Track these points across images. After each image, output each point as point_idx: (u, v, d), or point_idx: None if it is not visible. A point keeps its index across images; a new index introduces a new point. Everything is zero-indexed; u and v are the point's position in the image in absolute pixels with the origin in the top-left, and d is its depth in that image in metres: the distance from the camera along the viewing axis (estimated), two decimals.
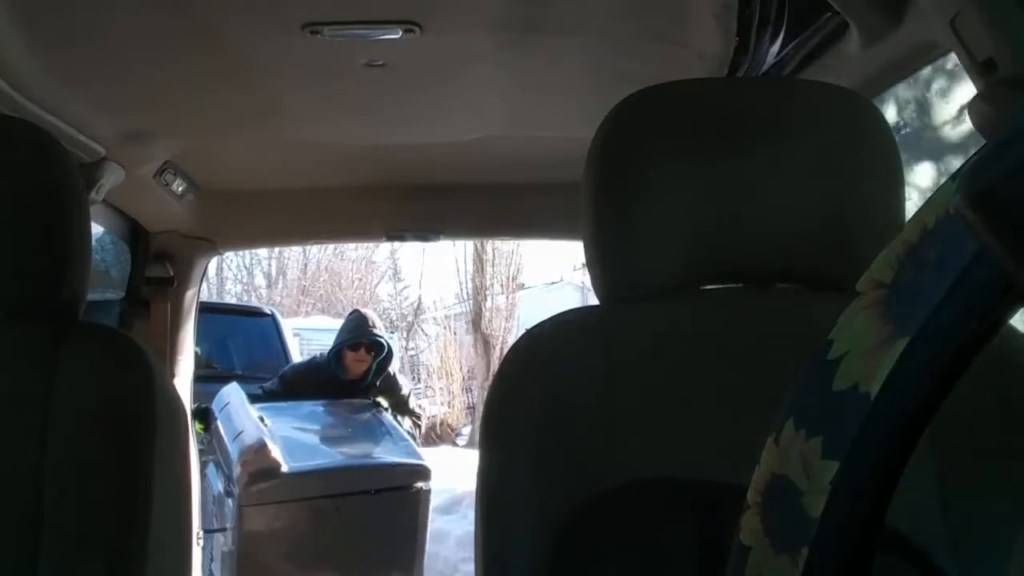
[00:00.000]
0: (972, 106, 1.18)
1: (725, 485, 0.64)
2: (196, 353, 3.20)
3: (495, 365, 4.34)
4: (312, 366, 4.03)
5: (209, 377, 4.65)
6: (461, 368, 13.40)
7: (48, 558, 1.00)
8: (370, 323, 3.93)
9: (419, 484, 3.31)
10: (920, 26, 1.29)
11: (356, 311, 4.19)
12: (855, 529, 0.38)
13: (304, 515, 3.16)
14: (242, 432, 3.22)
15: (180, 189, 2.64)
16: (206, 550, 3.50)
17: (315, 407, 3.70)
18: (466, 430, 12.49)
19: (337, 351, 3.87)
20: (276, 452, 3.13)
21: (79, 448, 1.03)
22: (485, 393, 1.15)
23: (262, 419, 3.34)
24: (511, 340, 8.70)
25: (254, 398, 3.65)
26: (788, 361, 0.50)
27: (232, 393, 3.52)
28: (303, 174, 2.81)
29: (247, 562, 3.14)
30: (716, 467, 0.84)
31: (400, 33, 1.72)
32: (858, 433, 0.38)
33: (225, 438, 3.30)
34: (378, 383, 3.91)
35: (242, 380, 4.82)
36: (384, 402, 3.87)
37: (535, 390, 1.03)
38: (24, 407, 1.03)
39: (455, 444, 11.47)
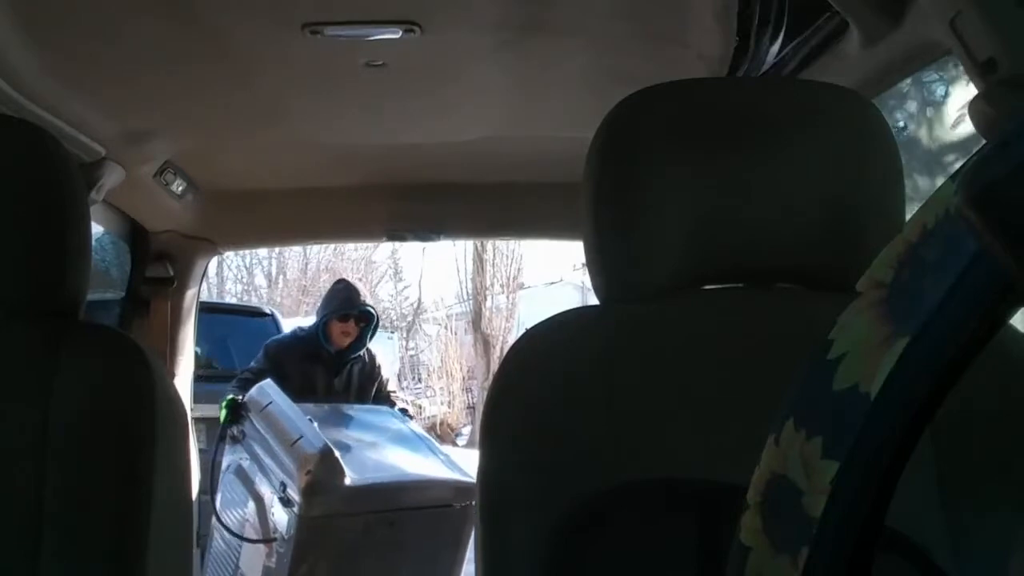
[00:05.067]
0: (972, 106, 1.18)
1: (725, 485, 0.64)
2: (196, 353, 3.19)
3: (495, 365, 4.31)
4: (295, 338, 3.88)
5: (209, 377, 4.64)
6: (461, 368, 13.40)
7: (48, 558, 1.00)
8: (360, 294, 3.84)
9: (466, 502, 3.17)
10: (920, 26, 1.29)
11: (343, 281, 4.08)
12: (855, 529, 0.38)
13: (358, 529, 3.06)
14: (300, 438, 3.08)
15: (180, 189, 2.64)
16: (235, 557, 3.35)
17: (340, 410, 3.58)
18: (466, 430, 12.49)
19: (325, 322, 3.76)
20: (341, 463, 3.02)
21: (79, 448, 1.03)
22: (485, 393, 1.15)
23: (311, 420, 3.22)
24: (511, 340, 8.70)
25: (243, 381, 3.53)
26: (788, 361, 0.50)
27: (272, 392, 3.35)
28: (303, 174, 2.81)
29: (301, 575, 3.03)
30: (716, 467, 0.84)
31: (400, 33, 1.72)
32: (858, 433, 0.38)
33: (274, 442, 3.16)
34: (362, 354, 3.83)
35: None
36: (409, 407, 3.79)
37: (535, 390, 1.03)
38: (24, 407, 1.03)
39: (455, 444, 11.47)
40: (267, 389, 3.36)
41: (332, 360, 3.75)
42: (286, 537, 3.04)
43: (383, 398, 3.89)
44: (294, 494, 3.00)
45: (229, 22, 1.71)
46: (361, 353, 3.83)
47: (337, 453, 3.03)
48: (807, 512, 0.38)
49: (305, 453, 3.02)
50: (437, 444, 3.51)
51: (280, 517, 3.09)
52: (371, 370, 3.88)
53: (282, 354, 3.76)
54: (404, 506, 3.12)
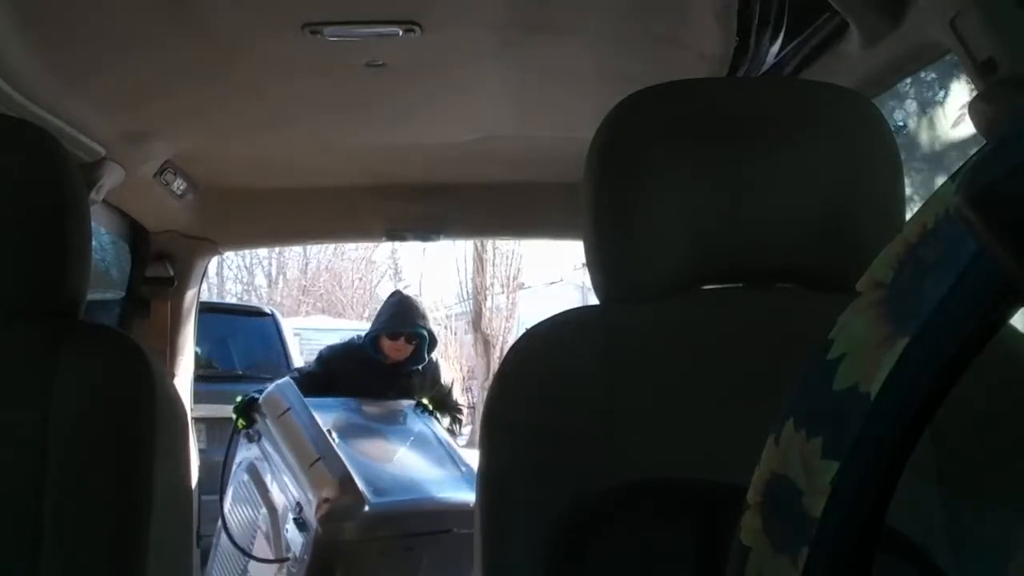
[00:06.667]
0: (972, 106, 1.18)
1: (725, 485, 0.64)
2: (196, 353, 3.17)
3: (495, 365, 4.27)
4: (351, 346, 3.68)
5: (209, 377, 4.63)
6: (461, 368, 13.39)
7: (48, 558, 1.00)
8: (414, 312, 3.58)
9: None
10: (920, 26, 1.29)
11: (398, 294, 3.84)
12: (855, 529, 0.38)
13: (375, 553, 2.99)
14: (319, 460, 2.99)
15: (180, 189, 2.64)
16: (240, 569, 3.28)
17: (361, 408, 3.43)
18: (466, 430, 12.46)
19: (374, 338, 3.54)
20: (360, 487, 2.93)
21: (79, 448, 1.03)
22: (485, 393, 1.15)
23: (330, 432, 3.10)
24: (511, 340, 8.70)
25: (293, 382, 3.36)
26: (788, 361, 0.50)
27: (292, 396, 3.21)
28: (303, 174, 2.81)
29: None
30: (716, 467, 0.84)
31: (400, 33, 1.72)
32: (858, 433, 0.38)
33: (291, 457, 3.08)
34: (421, 368, 3.61)
35: (242, 380, 4.77)
36: (429, 404, 3.58)
37: (535, 390, 1.03)
38: (24, 407, 1.03)
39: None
40: (286, 390, 3.26)
41: (387, 370, 3.56)
42: (299, 557, 2.99)
43: (447, 407, 3.67)
44: (310, 517, 2.94)
45: (229, 22, 1.71)
46: (420, 367, 3.61)
47: (356, 476, 2.94)
48: (807, 512, 0.38)
49: (324, 478, 2.96)
50: (461, 454, 3.37)
51: (294, 536, 3.04)
52: (431, 385, 3.66)
53: (335, 360, 3.61)
54: (423, 531, 3.05)
